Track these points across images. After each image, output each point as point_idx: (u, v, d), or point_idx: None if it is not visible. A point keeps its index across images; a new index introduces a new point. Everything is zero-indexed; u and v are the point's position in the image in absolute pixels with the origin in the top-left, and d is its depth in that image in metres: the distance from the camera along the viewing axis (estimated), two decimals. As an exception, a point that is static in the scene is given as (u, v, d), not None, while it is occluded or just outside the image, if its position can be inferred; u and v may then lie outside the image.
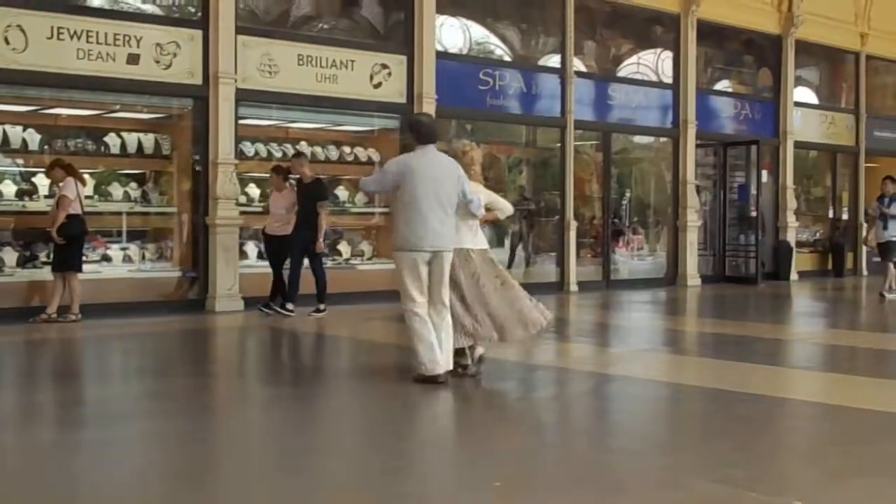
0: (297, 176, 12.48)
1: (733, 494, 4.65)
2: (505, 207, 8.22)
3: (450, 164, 7.50)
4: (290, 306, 12.14)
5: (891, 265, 15.57)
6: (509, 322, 7.59)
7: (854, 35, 21.60)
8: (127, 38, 12.14)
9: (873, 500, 4.58)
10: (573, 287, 16.47)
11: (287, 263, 12.30)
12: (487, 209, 7.80)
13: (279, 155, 14.16)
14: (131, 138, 13.10)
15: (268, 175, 13.15)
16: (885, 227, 15.67)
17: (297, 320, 11.87)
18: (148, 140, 13.22)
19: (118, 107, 13.23)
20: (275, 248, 12.42)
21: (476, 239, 7.73)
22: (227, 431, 6.32)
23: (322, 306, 12.25)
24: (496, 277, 7.72)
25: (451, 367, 7.39)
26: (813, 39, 20.58)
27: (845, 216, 22.38)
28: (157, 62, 12.37)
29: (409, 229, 7.32)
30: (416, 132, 7.57)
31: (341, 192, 14.88)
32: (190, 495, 4.76)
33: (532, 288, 15.82)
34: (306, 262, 12.31)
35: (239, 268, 12.89)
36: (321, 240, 12.25)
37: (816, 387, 8.15)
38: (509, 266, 17.33)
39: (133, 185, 13.20)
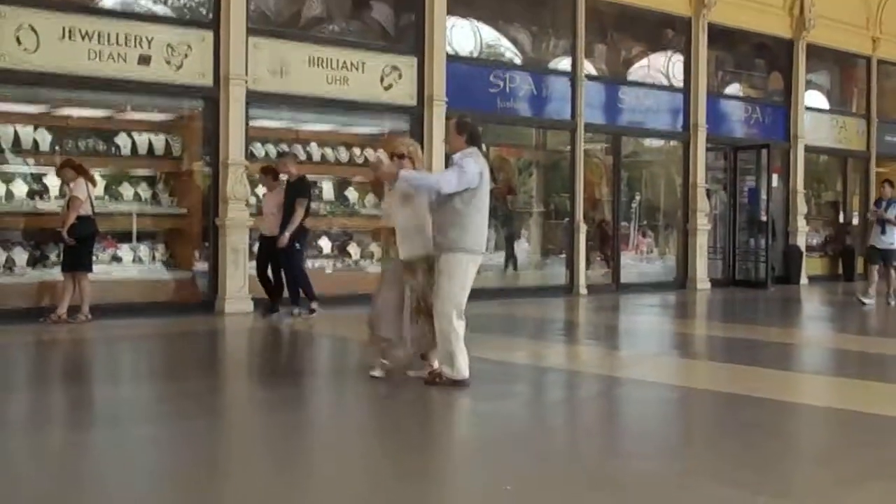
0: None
1: (742, 498, 4.64)
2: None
3: None
4: (313, 305, 12.22)
5: (892, 270, 15.26)
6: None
7: (866, 39, 21.56)
8: (138, 39, 12.18)
9: (883, 505, 4.57)
10: (582, 290, 16.45)
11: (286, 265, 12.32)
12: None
13: (289, 157, 14.19)
14: (142, 139, 13.13)
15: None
16: (882, 232, 15.23)
17: (307, 322, 11.89)
18: (158, 141, 13.26)
19: (129, 108, 13.27)
20: (270, 250, 12.39)
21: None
22: (239, 433, 6.33)
23: (296, 310, 12.18)
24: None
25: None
26: (824, 43, 20.54)
27: (856, 221, 22.31)
28: (169, 63, 12.39)
29: (480, 232, 7.45)
30: (471, 134, 7.60)
31: (351, 194, 14.90)
32: (200, 497, 4.76)
33: (541, 291, 16.03)
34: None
35: (249, 269, 12.90)
36: (286, 234, 11.98)
37: (826, 391, 8.12)
38: (514, 268, 17.32)
39: (143, 185, 13.23)
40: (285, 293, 12.41)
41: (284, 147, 14.24)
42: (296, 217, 12.04)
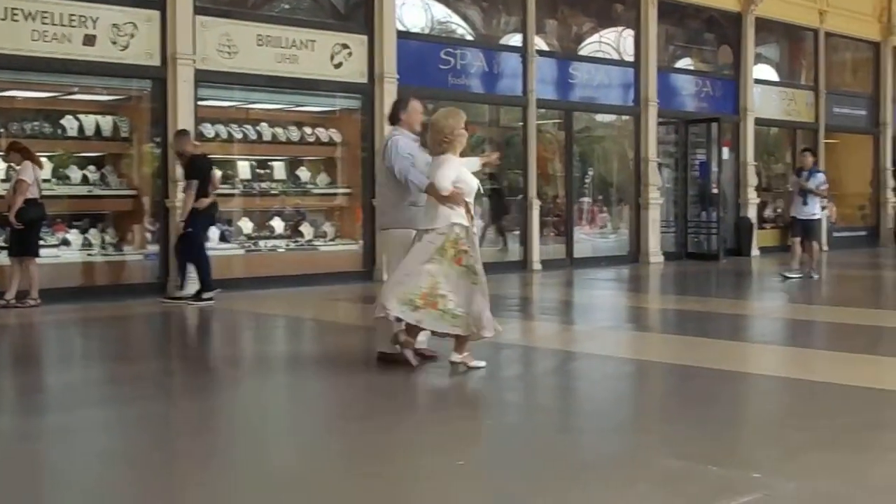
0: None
1: (694, 469, 4.69)
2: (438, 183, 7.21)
3: (385, 139, 7.63)
4: (206, 294, 11.73)
5: (813, 244, 14.89)
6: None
7: (813, 12, 21.73)
8: (83, 19, 11.99)
9: (830, 474, 4.63)
10: (537, 265, 16.51)
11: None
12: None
13: (240, 136, 14.09)
14: (89, 121, 12.95)
15: (228, 157, 13.04)
16: (804, 203, 14.69)
17: (261, 301, 11.83)
18: (106, 122, 13.07)
19: (76, 89, 13.08)
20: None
21: (425, 219, 7.20)
22: (188, 415, 6.29)
23: (180, 293, 11.83)
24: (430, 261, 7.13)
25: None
26: (772, 16, 20.69)
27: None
28: (115, 43, 12.22)
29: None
30: (391, 111, 7.74)
31: (303, 174, 14.82)
32: (152, 480, 4.73)
33: (496, 267, 16.05)
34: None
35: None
36: (178, 220, 11.80)
37: (776, 361, 8.23)
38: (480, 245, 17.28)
39: (91, 168, 13.04)
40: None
41: (247, 129, 14.12)
42: (186, 200, 11.69)
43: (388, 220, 7.53)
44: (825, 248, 21.78)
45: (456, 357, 7.20)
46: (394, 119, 7.69)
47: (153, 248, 12.94)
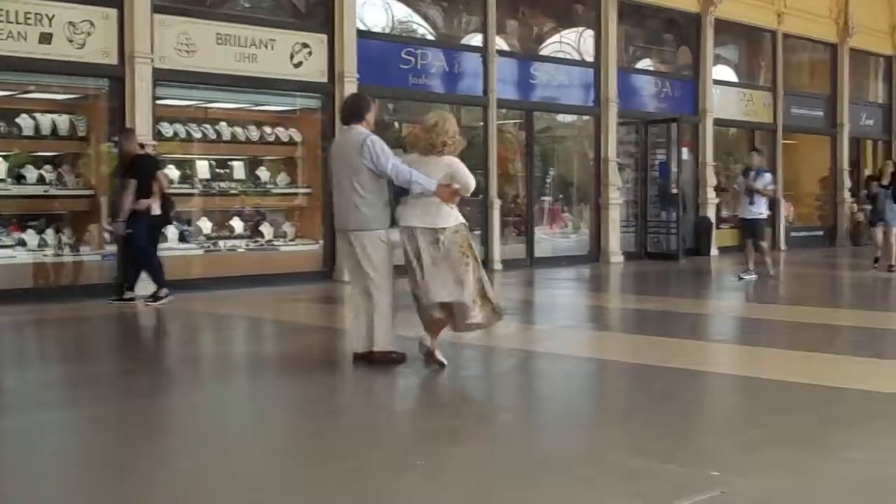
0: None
1: (652, 467, 4.71)
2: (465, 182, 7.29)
3: (356, 138, 7.36)
4: (128, 294, 11.66)
5: (762, 244, 14.62)
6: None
7: (771, 13, 21.94)
8: (39, 17, 11.86)
9: (785, 471, 4.67)
10: (497, 265, 16.53)
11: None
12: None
13: (199, 136, 14.00)
14: (45, 120, 12.79)
15: (187, 157, 12.94)
16: (751, 203, 14.48)
17: (220, 302, 11.76)
18: (63, 122, 12.92)
19: (32, 87, 12.93)
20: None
21: (426, 217, 7.15)
22: (144, 417, 6.23)
23: (163, 291, 11.63)
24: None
25: (376, 348, 7.33)
26: (731, 18, 20.86)
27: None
28: (71, 41, 12.09)
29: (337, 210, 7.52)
30: (343, 112, 7.67)
31: (262, 174, 14.74)
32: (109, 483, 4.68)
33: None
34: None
35: (158, 251, 12.68)
36: (119, 219, 11.62)
37: (733, 359, 8.29)
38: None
39: (48, 167, 12.87)
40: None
41: (206, 128, 14.03)
42: (123, 200, 11.53)
43: (362, 220, 7.30)
44: (783, 247, 22.03)
45: (440, 355, 7.25)
46: (358, 117, 7.47)
47: (111, 249, 12.78)
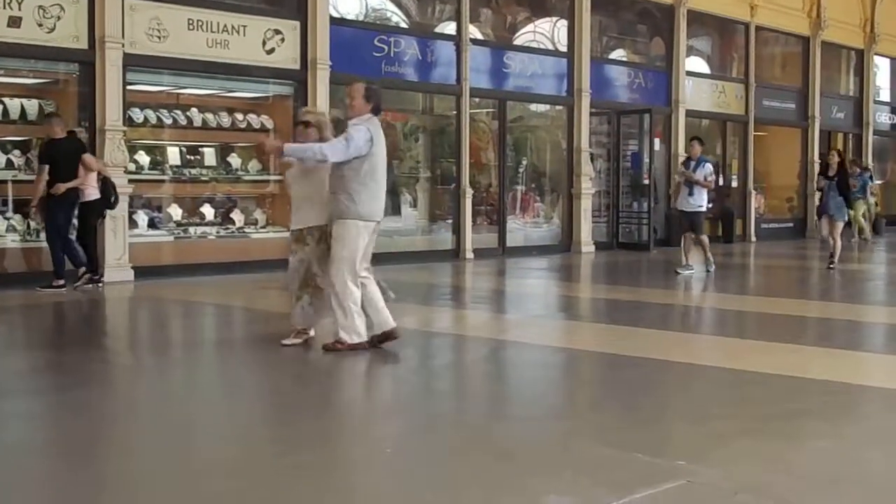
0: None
1: (620, 456, 4.73)
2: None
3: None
4: (57, 281, 11.48)
5: (703, 238, 14.22)
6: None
7: (744, 6, 22.02)
8: (7, 1, 11.72)
9: (753, 462, 4.70)
10: (469, 254, 16.53)
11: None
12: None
13: (170, 122, 13.89)
14: (14, 104, 12.65)
15: (157, 143, 12.83)
16: (690, 194, 13.94)
17: (190, 289, 11.69)
18: (32, 106, 12.78)
19: (0, 72, 12.77)
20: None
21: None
22: (117, 403, 6.19)
23: (60, 282, 11.50)
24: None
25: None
26: (704, 9, 20.95)
27: (735, 184, 22.92)
28: (40, 25, 11.97)
29: (373, 199, 7.45)
30: (377, 103, 7.57)
31: (234, 160, 14.66)
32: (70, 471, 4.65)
33: (428, 256, 16.04)
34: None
35: (129, 237, 12.61)
36: (30, 206, 11.57)
37: (703, 350, 8.32)
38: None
39: (16, 152, 12.75)
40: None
41: (177, 114, 13.92)
42: (35, 185, 11.43)
43: (342, 209, 7.40)
44: (753, 239, 22.17)
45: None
46: (378, 109, 7.57)
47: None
